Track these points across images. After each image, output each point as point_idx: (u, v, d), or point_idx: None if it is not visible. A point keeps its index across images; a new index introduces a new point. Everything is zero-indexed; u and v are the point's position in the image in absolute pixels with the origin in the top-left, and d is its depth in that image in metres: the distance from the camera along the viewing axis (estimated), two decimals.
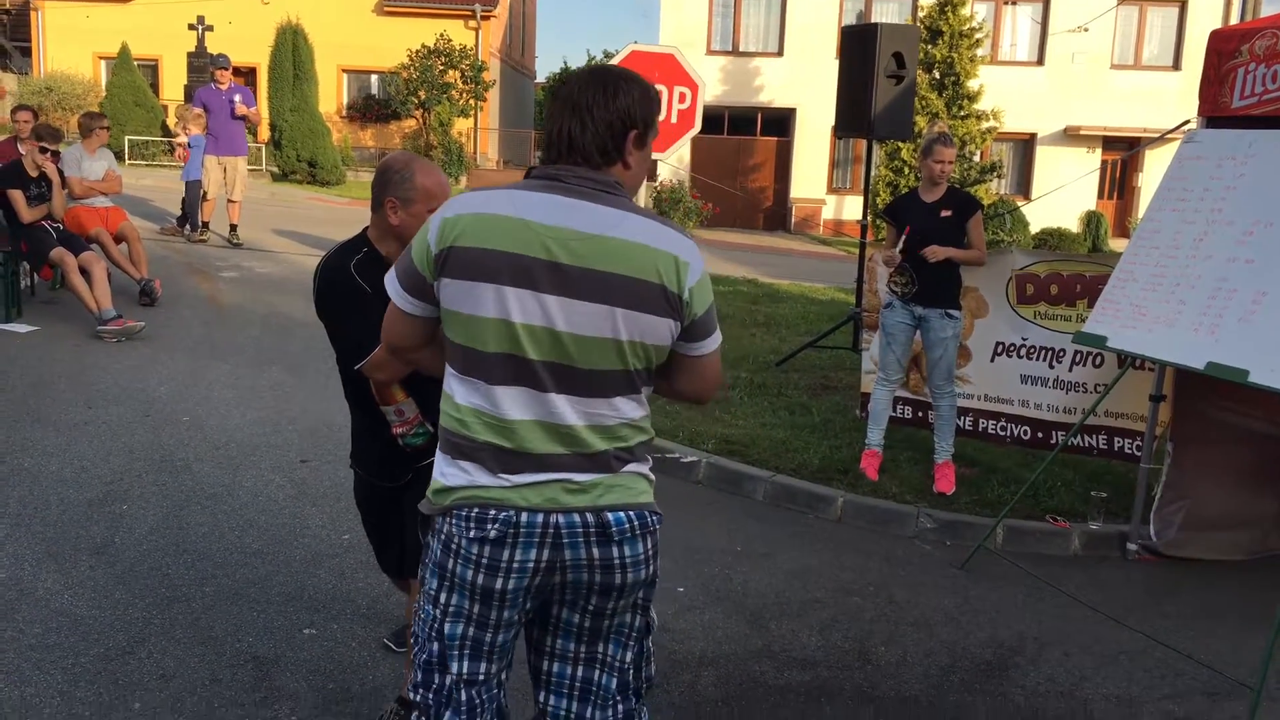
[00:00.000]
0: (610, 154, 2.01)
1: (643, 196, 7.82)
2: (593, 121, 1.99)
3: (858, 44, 7.90)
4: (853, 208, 24.25)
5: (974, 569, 4.76)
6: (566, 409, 1.99)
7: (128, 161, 20.32)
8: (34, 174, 7.28)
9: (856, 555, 4.85)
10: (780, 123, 24.98)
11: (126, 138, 21.18)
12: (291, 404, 6.13)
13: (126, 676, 3.21)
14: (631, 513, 2.05)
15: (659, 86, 7.37)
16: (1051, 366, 5.83)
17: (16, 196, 7.18)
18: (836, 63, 8.62)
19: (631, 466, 2.07)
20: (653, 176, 20.72)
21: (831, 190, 24.97)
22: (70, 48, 26.30)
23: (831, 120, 9.57)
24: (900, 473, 5.68)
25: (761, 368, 7.75)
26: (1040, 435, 5.88)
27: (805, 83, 23.55)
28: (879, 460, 5.67)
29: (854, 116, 7.92)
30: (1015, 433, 5.98)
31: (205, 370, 6.71)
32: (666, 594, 4.19)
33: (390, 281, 2.09)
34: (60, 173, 7.52)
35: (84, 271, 7.26)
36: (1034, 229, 20.87)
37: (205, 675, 3.27)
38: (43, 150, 7.28)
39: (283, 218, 14.26)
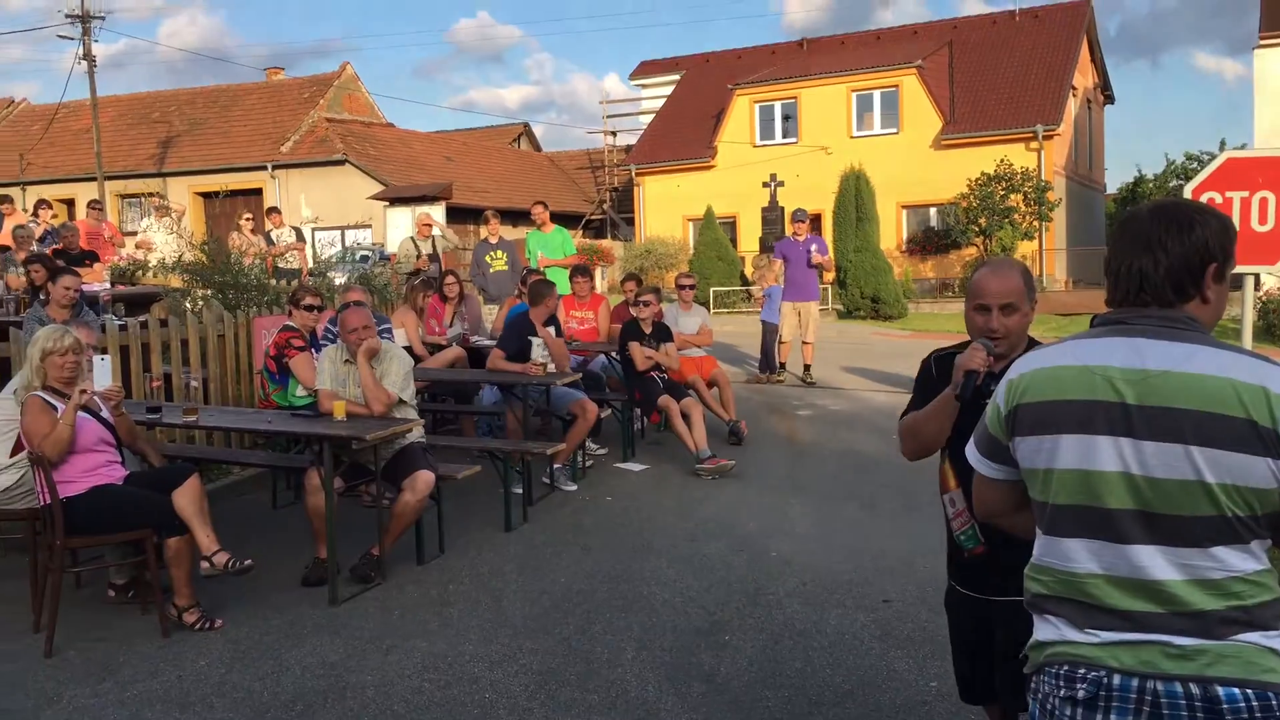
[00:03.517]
0: (1187, 290, 1.89)
1: (1248, 310, 6.91)
2: (1167, 256, 1.89)
3: None
4: None
5: None
6: (1155, 561, 1.83)
7: (712, 310, 22.61)
8: (648, 330, 8.40)
9: None
10: None
11: (711, 289, 23.64)
12: (870, 541, 6.22)
13: None
14: (1251, 691, 1.77)
15: (1264, 193, 6.57)
16: None
17: (635, 349, 8.31)
18: None
19: (1251, 635, 1.80)
20: (1257, 286, 18.35)
21: None
22: (664, 214, 30.33)
23: None
24: None
25: None
26: None
27: None
28: None
29: None
30: None
31: (788, 506, 7.09)
32: None
33: (970, 450, 2.15)
34: (667, 329, 8.59)
35: (683, 415, 8.13)
36: None
37: None
38: (643, 304, 8.45)
39: (850, 354, 14.83)
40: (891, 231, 26.54)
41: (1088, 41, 30.42)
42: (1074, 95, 28.61)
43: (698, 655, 4.58)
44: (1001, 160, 24.43)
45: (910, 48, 29.63)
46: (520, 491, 6.94)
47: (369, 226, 26.61)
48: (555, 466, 7.57)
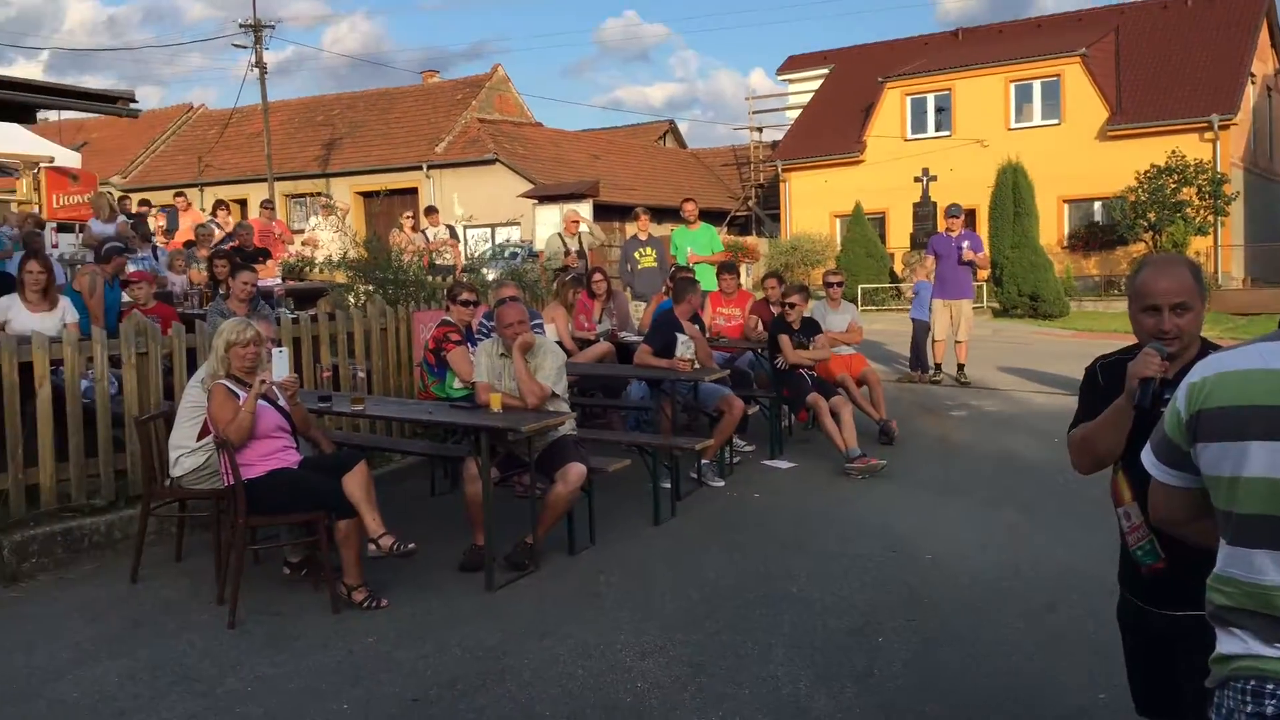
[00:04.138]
0: None
1: None
2: None
3: None
4: None
5: None
6: None
7: (860, 307, 22.25)
8: (796, 327, 8.35)
9: None
10: None
11: (859, 286, 23.25)
12: (1030, 547, 6.02)
13: None
14: None
15: None
16: None
17: (785, 341, 8.28)
18: None
19: None
20: None
21: None
22: (811, 210, 29.96)
23: None
24: None
25: None
26: None
27: None
28: None
29: None
30: None
31: (942, 508, 6.93)
32: None
33: (1146, 455, 2.09)
34: (816, 324, 8.51)
35: (833, 413, 8.03)
36: None
37: None
38: (790, 306, 8.40)
39: (1007, 354, 14.35)
40: (1052, 227, 25.48)
41: (1268, 25, 28.54)
42: (1253, 83, 26.89)
43: (850, 655, 4.53)
44: (1173, 152, 23.15)
45: (1073, 35, 28.40)
46: (668, 486, 7.00)
47: (518, 224, 27.22)
48: (703, 462, 7.60)
